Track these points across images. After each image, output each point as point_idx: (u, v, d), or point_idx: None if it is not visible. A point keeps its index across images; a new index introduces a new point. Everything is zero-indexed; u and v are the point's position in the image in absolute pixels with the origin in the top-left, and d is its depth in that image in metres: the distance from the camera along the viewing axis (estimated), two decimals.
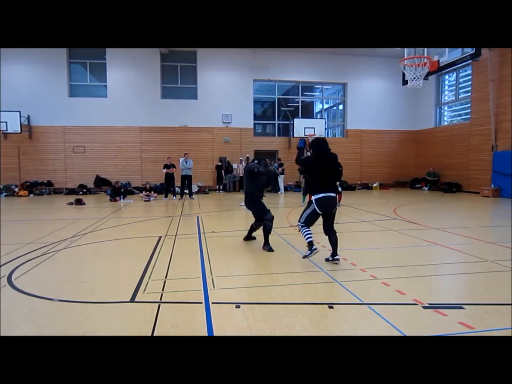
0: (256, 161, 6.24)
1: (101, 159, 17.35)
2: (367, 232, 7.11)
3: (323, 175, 4.62)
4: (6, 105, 15.37)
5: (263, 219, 5.66)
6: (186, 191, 14.41)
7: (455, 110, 17.88)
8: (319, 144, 4.79)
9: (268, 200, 13.65)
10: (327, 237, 4.74)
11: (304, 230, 4.68)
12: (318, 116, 20.33)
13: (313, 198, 4.63)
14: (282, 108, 19.08)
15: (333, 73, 19.00)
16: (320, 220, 4.74)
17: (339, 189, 11.17)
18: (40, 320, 3.07)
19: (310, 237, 4.63)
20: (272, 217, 5.66)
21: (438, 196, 14.70)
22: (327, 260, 4.70)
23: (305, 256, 4.68)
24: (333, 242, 4.63)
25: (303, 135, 17.34)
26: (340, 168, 11.49)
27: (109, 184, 16.54)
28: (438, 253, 5.51)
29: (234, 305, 3.33)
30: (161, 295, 3.63)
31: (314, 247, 4.61)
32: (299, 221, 4.75)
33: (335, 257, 4.62)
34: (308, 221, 4.68)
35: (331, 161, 4.70)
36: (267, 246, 5.55)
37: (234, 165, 17.79)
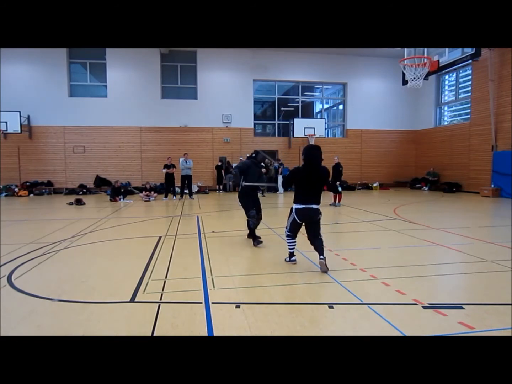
0: (253, 155, 6.27)
1: (101, 159, 17.35)
2: (367, 232, 7.10)
3: (307, 184, 4.40)
4: (6, 105, 15.37)
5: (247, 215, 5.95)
6: (186, 191, 14.41)
7: (455, 110, 17.88)
8: (311, 152, 4.46)
9: (267, 200, 13.65)
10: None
11: (288, 241, 4.73)
12: (318, 116, 20.32)
13: (293, 206, 4.51)
14: (283, 108, 19.10)
15: (333, 73, 19.00)
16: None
17: (339, 189, 11.17)
18: (40, 320, 3.07)
19: (291, 249, 4.72)
20: (254, 215, 5.85)
21: (438, 196, 14.70)
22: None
23: (285, 259, 4.83)
24: (317, 246, 4.38)
25: (303, 135, 17.39)
26: (340, 168, 11.63)
27: (109, 184, 16.53)
28: (438, 253, 5.52)
29: (234, 305, 3.33)
30: (161, 295, 3.63)
31: (293, 258, 4.74)
32: (286, 227, 4.74)
33: (321, 257, 4.30)
34: (292, 229, 4.65)
35: (319, 173, 4.41)
36: (256, 241, 5.81)
37: (234, 165, 17.77)
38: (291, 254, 4.75)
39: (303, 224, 4.62)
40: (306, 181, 4.40)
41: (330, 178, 6.49)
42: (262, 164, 6.36)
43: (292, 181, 4.60)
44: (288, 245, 4.73)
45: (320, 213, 4.51)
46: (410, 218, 8.63)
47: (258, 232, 6.52)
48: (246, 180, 6.08)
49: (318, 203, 4.45)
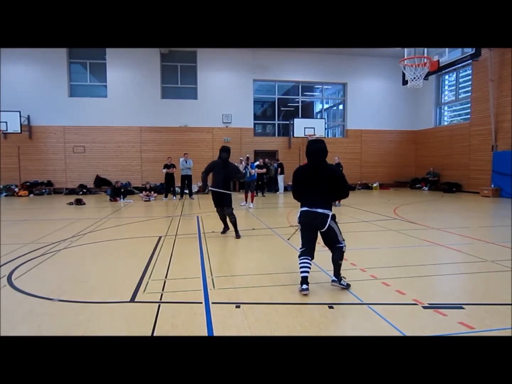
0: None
1: (101, 159, 17.34)
2: (367, 232, 7.10)
3: (309, 184, 3.73)
4: (6, 105, 15.36)
5: None
6: (186, 191, 14.42)
7: (455, 110, 17.87)
8: (311, 147, 3.82)
9: (267, 200, 13.66)
10: None
11: (300, 260, 3.74)
12: (318, 116, 20.32)
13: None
14: (283, 108, 19.11)
15: (333, 73, 18.99)
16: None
17: None
18: (40, 320, 3.07)
19: (303, 271, 3.66)
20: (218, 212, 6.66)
21: (438, 196, 14.70)
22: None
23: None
24: (333, 260, 3.78)
25: (303, 135, 17.41)
26: (341, 169, 11.61)
27: (109, 184, 16.54)
28: (438, 253, 5.51)
29: (234, 305, 3.33)
30: (161, 295, 3.63)
31: (304, 286, 3.60)
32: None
33: (332, 279, 3.79)
34: (303, 240, 3.82)
35: (323, 170, 3.71)
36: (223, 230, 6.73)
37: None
38: (303, 280, 3.62)
39: (314, 235, 3.84)
40: (308, 181, 3.74)
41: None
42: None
43: (297, 184, 3.89)
44: (300, 265, 3.71)
45: (333, 219, 3.72)
46: (410, 218, 8.63)
47: (259, 231, 6.56)
48: (212, 181, 6.45)
49: (325, 207, 3.68)
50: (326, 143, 3.89)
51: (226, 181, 6.43)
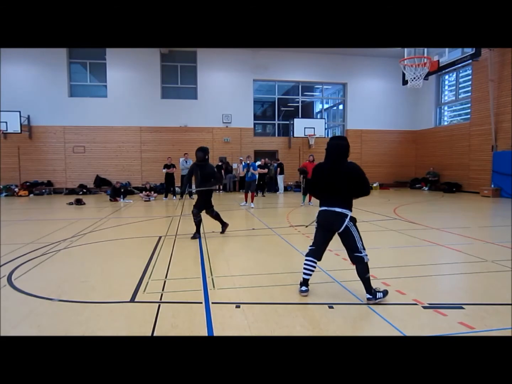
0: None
1: (101, 159, 17.35)
2: (367, 232, 7.08)
3: (326, 182, 3.54)
4: (6, 105, 15.37)
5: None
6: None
7: (455, 110, 17.88)
8: (330, 142, 3.62)
9: (267, 200, 13.66)
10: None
11: (305, 260, 3.65)
12: (318, 116, 20.32)
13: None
14: (283, 108, 19.12)
15: (333, 73, 19.00)
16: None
17: None
18: (40, 320, 3.07)
19: (306, 273, 3.62)
20: (194, 213, 6.48)
21: (438, 196, 14.70)
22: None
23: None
24: (358, 274, 3.46)
25: (303, 135, 17.44)
26: None
27: (109, 184, 16.54)
28: (438, 253, 5.51)
29: (234, 305, 3.33)
30: (161, 295, 3.63)
31: (303, 287, 3.62)
32: None
33: (367, 297, 3.41)
34: (316, 239, 3.66)
35: (340, 168, 3.47)
36: (194, 235, 6.43)
37: (234, 165, 17.78)
38: (304, 282, 3.62)
39: (328, 237, 3.65)
40: (325, 179, 3.54)
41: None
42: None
43: (312, 181, 3.73)
44: (303, 266, 3.64)
45: (352, 220, 3.48)
46: (410, 218, 8.62)
47: (259, 231, 6.56)
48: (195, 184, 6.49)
49: (343, 206, 3.46)
50: (348, 140, 3.62)
51: (204, 183, 6.39)
